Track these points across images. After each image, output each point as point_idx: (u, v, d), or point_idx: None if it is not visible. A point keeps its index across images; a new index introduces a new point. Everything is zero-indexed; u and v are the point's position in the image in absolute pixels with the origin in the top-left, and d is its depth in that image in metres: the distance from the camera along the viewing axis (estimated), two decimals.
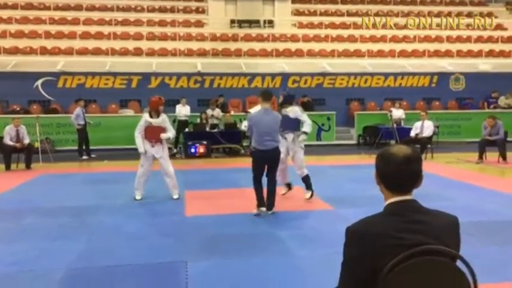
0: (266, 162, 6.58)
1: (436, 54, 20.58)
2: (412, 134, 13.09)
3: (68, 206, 7.29)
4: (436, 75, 18.90)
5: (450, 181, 9.33)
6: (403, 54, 20.37)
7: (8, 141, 11.37)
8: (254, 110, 14.36)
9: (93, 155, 13.80)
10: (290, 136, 7.46)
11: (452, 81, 19.01)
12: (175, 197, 7.75)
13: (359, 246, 1.82)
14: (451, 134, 16.95)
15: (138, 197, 7.73)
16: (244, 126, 13.05)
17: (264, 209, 6.59)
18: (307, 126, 7.42)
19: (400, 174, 1.88)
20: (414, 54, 20.42)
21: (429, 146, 12.80)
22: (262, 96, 6.71)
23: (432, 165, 10.97)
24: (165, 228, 6.07)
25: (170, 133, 7.75)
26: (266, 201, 6.64)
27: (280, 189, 7.61)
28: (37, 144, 12.71)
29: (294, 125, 7.47)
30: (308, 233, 5.74)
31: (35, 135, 12.91)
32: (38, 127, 13.02)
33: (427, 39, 21.25)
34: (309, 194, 7.51)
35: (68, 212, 6.90)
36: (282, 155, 7.12)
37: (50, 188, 9.08)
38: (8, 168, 11.30)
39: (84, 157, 13.60)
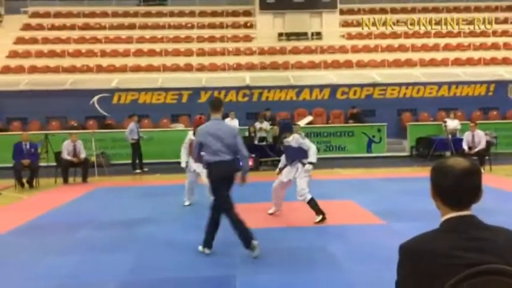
0: (225, 176, 5.35)
1: (493, 61, 19.76)
2: (465, 147, 12.36)
3: (121, 219, 7.47)
4: (493, 83, 18.10)
5: (509, 194, 8.85)
6: (457, 62, 19.70)
7: (65, 155, 11.86)
8: (303, 122, 14.31)
9: (145, 169, 14.13)
10: (299, 166, 6.97)
11: (510, 89, 18.14)
12: None
13: (413, 264, 1.72)
14: (511, 144, 16.14)
15: (185, 203, 8.43)
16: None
17: (208, 251, 5.44)
18: (313, 155, 6.91)
19: (458, 188, 1.77)
20: (469, 62, 19.69)
21: (487, 157, 12.20)
22: (211, 106, 5.52)
23: (490, 178, 10.45)
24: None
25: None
26: (241, 239, 5.31)
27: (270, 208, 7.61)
28: (93, 159, 13.18)
29: (301, 154, 6.98)
30: (360, 248, 5.57)
31: (91, 149, 13.39)
32: (93, 142, 13.51)
33: (482, 46, 20.47)
34: (319, 218, 6.80)
35: (121, 225, 7.08)
36: (285, 179, 7.08)
37: (105, 201, 9.37)
38: (65, 181, 11.78)
39: (138, 171, 13.96)
